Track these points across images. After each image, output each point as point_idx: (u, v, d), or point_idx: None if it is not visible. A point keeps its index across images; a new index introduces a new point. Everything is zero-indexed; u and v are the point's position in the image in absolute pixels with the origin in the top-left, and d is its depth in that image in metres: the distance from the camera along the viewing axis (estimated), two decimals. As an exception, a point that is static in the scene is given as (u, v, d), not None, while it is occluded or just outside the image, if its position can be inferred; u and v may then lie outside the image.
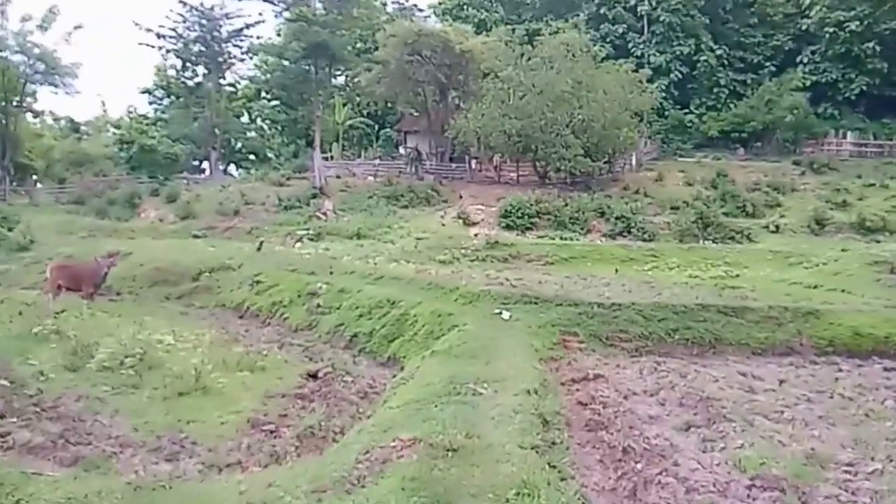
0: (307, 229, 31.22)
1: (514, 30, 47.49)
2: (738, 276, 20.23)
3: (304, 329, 14.85)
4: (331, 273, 16.90)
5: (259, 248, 25.47)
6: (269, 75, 49.61)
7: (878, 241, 25.61)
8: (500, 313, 11.84)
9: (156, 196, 40.72)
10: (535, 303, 12.25)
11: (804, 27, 45.60)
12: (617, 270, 20.75)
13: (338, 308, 14.58)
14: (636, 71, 41.21)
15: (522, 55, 39.34)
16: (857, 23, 42.29)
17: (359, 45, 48.83)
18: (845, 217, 28.83)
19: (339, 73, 50.92)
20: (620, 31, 49.57)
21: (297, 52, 39.97)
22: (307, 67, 41.21)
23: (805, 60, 45.94)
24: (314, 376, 10.48)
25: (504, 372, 8.21)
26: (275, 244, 28.01)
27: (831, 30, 43.32)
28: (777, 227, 28.54)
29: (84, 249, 26.71)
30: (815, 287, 17.26)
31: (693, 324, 11.51)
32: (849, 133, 42.98)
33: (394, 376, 10.36)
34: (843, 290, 16.28)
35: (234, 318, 17.56)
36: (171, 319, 16.68)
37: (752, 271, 20.92)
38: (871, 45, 42.45)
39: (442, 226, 31.38)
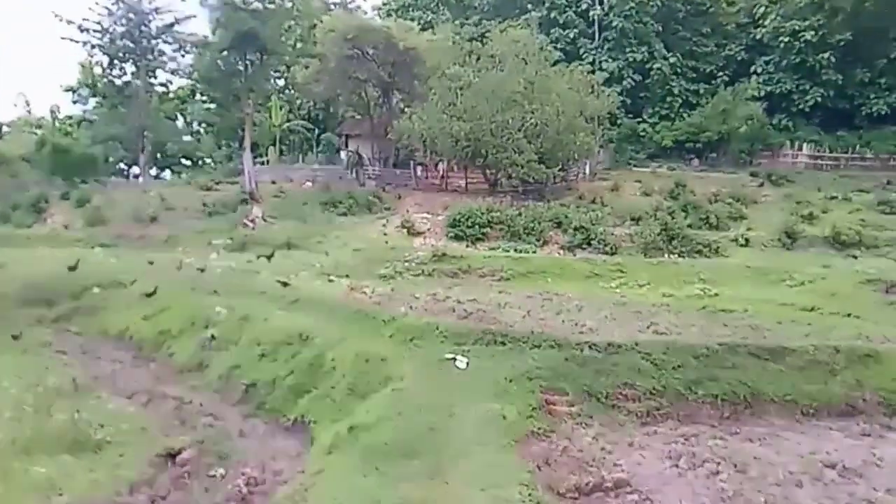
0: (230, 238, 27.87)
1: (462, 27, 44.64)
2: (716, 294, 18.37)
3: (191, 370, 11.40)
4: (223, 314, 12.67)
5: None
6: (196, 71, 45.35)
7: (854, 257, 24.06)
8: (454, 360, 8.54)
9: (66, 200, 36.89)
10: (502, 343, 8.98)
11: (758, 37, 44.47)
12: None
13: (236, 343, 11.10)
14: (592, 73, 38.86)
15: (471, 52, 36.54)
16: (812, 33, 41.19)
17: (299, 44, 45.23)
18: (816, 230, 27.06)
19: (277, 74, 47.19)
20: (571, 35, 47.38)
21: (224, 42, 36.41)
22: (235, 60, 37.67)
23: (759, 70, 44.65)
24: (173, 457, 7.05)
25: (465, 492, 4.89)
26: (191, 255, 24.70)
27: (786, 39, 42.16)
28: (747, 240, 26.56)
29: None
30: (813, 309, 15.12)
31: (719, 372, 8.48)
32: (804, 145, 41.87)
33: (297, 454, 6.96)
34: (849, 315, 13.95)
35: (111, 350, 13.98)
36: (23, 354, 12.97)
37: (731, 289, 18.94)
38: (825, 55, 41.36)
39: (384, 235, 28.61)
